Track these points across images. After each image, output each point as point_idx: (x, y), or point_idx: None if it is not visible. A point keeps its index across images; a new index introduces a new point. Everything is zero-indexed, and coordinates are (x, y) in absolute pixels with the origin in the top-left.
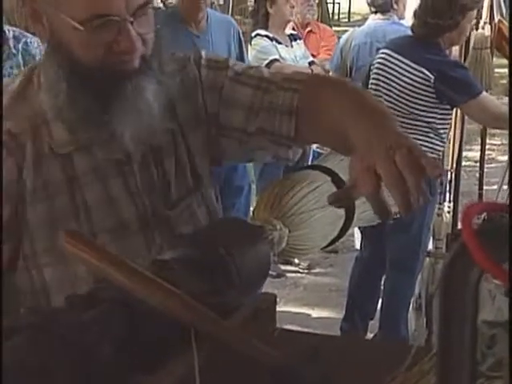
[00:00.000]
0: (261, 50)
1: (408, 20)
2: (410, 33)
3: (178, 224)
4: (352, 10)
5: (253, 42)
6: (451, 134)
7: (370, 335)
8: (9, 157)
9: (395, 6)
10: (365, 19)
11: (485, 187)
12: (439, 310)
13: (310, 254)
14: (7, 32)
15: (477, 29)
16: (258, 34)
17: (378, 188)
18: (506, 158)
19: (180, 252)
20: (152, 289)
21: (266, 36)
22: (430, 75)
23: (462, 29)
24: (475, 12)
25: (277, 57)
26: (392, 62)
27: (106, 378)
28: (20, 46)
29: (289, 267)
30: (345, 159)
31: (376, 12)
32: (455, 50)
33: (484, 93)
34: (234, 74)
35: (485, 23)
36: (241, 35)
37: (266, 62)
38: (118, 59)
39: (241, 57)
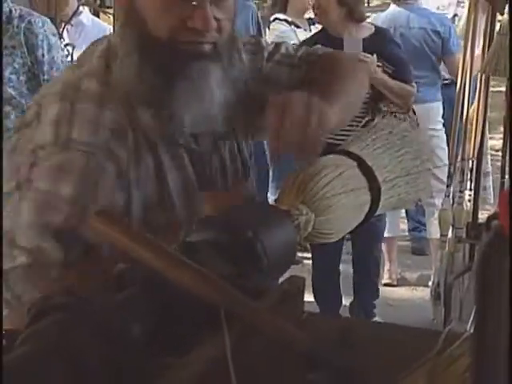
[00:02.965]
0: (279, 34)
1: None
2: (433, 18)
3: None
4: None
5: (271, 27)
6: (473, 122)
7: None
8: (120, 147)
9: None
10: (384, 4)
11: (506, 176)
12: (476, 294)
13: (336, 238)
14: (14, 11)
15: (502, 14)
16: (276, 18)
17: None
18: None
19: (208, 235)
20: (182, 269)
21: (285, 20)
22: None
23: None
24: None
25: (295, 42)
26: None
27: (137, 361)
28: (23, 25)
29: (306, 254)
30: (370, 144)
31: None
32: (479, 36)
33: None
34: (268, 54)
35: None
36: (259, 19)
37: None
38: (189, 37)
39: None
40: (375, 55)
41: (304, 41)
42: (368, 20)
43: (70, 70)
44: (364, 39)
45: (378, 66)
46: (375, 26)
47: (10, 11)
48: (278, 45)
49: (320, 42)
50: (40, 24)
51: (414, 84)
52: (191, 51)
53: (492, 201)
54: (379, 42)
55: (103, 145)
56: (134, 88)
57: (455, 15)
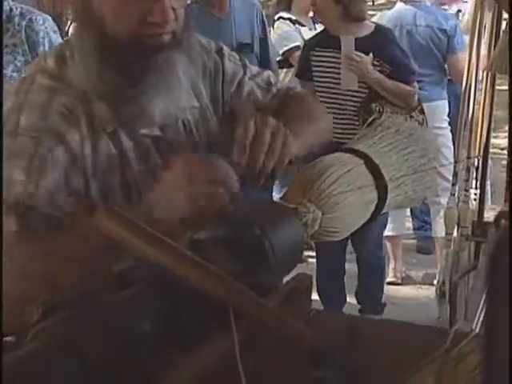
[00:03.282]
0: (282, 34)
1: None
2: (440, 16)
3: None
4: None
5: (275, 26)
6: (479, 120)
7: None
8: (73, 132)
9: None
10: (389, 2)
11: None
12: (486, 293)
13: (342, 236)
14: (14, 9)
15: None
16: (280, 17)
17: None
18: None
19: (215, 232)
20: (189, 266)
21: (289, 19)
22: None
23: None
24: None
25: (298, 44)
26: None
27: (145, 358)
28: (24, 22)
29: (310, 253)
30: (377, 142)
31: None
32: (486, 33)
33: None
34: (251, 74)
35: None
36: (264, 17)
37: (287, 48)
38: (150, 31)
39: (264, 40)
40: (371, 54)
41: (307, 40)
42: (374, 18)
43: (32, 66)
44: (362, 38)
45: (374, 65)
46: (376, 25)
47: (11, 10)
48: (262, 71)
49: (321, 41)
50: (41, 21)
51: (415, 84)
52: (152, 44)
53: (490, 205)
54: (377, 41)
55: (52, 129)
56: (93, 87)
57: (459, 11)
